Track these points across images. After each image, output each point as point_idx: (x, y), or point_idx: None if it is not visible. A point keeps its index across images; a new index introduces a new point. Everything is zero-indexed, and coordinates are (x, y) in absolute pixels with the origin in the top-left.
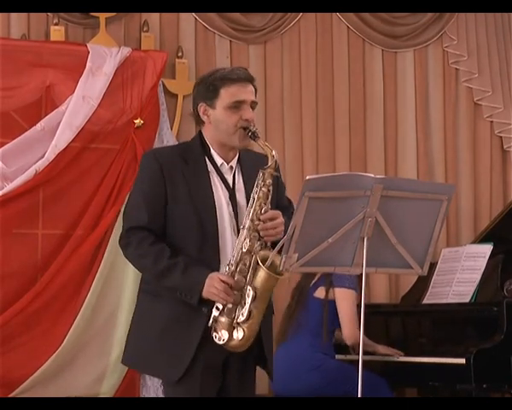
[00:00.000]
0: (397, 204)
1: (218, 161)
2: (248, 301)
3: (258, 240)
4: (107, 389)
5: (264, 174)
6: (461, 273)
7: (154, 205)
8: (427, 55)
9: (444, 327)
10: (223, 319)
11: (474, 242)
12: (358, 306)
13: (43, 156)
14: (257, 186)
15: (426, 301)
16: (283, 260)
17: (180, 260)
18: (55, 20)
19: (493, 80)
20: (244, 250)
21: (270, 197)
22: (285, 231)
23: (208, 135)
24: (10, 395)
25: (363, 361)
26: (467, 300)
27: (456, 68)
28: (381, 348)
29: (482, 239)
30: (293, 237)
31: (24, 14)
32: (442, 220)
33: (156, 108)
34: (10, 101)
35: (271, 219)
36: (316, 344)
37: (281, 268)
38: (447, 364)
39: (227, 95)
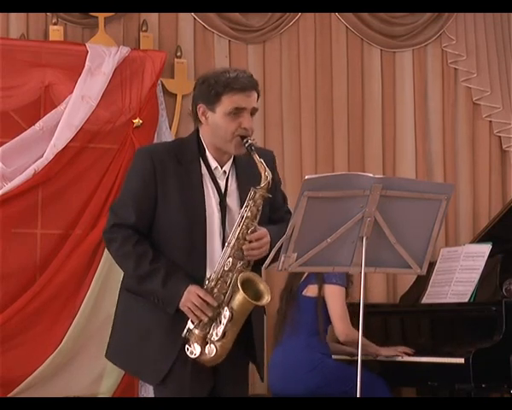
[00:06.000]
0: (396, 204)
1: (213, 164)
2: (224, 321)
3: (241, 259)
4: (105, 389)
5: (255, 194)
6: (460, 273)
7: (142, 205)
8: (425, 54)
9: (443, 327)
10: (196, 332)
11: (473, 241)
12: (352, 304)
13: (41, 156)
14: (247, 206)
15: (425, 300)
16: (282, 259)
17: (161, 266)
18: (54, 20)
19: (492, 80)
20: (226, 269)
21: (258, 217)
22: (272, 244)
23: (205, 136)
24: (9, 395)
25: (362, 361)
26: (466, 299)
27: (455, 68)
28: (385, 351)
29: (481, 239)
30: (292, 236)
31: (23, 14)
32: (441, 220)
33: (155, 107)
34: (9, 100)
35: (257, 240)
36: (313, 344)
37: (279, 268)
38: (446, 364)
39: (229, 102)
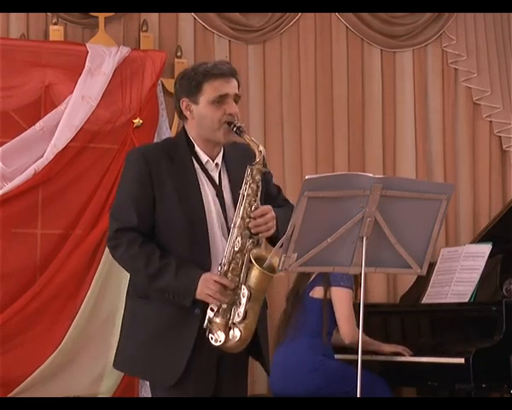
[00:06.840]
0: (396, 204)
1: (204, 158)
2: (244, 300)
3: (250, 238)
4: (105, 389)
5: (252, 170)
6: (460, 273)
7: (142, 207)
8: (426, 54)
9: (443, 327)
10: (218, 320)
11: (473, 241)
12: (353, 305)
13: (42, 156)
14: (246, 183)
15: (425, 300)
16: (282, 259)
17: (172, 260)
18: (54, 20)
19: (492, 80)
20: (236, 249)
21: (259, 194)
22: (277, 224)
23: (192, 131)
24: (9, 395)
25: (363, 361)
26: (466, 299)
27: (455, 68)
28: (387, 347)
29: (481, 239)
30: (293, 236)
31: (23, 14)
32: (441, 220)
33: (155, 107)
34: (9, 100)
35: (262, 215)
36: (315, 345)
37: (280, 268)
38: (446, 364)
39: (211, 89)
